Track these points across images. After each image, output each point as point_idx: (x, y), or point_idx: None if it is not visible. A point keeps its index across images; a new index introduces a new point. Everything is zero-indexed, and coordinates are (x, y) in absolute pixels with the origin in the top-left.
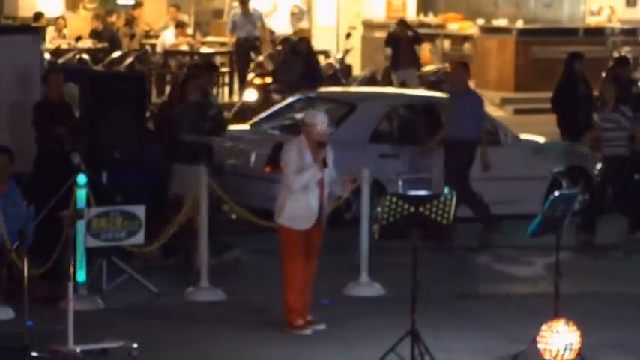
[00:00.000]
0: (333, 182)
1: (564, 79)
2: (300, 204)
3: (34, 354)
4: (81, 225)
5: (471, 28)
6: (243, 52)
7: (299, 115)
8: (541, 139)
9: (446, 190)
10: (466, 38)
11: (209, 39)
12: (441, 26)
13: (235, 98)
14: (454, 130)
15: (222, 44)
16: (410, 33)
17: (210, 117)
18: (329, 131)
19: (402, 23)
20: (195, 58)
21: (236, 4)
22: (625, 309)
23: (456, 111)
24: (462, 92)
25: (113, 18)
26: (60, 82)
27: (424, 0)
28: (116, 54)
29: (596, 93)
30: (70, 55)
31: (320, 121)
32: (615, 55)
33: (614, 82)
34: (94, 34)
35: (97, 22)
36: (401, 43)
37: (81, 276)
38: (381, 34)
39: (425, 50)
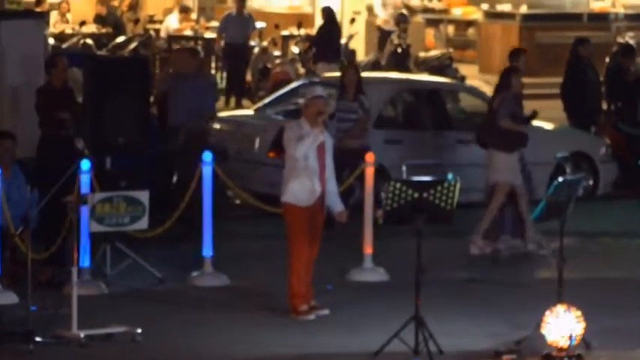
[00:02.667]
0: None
1: (572, 66)
2: (302, 181)
3: (37, 339)
4: (85, 210)
5: (475, 13)
6: (229, 57)
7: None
8: (546, 125)
9: (449, 176)
10: (470, 23)
11: (213, 24)
12: (445, 11)
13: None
14: (179, 116)
15: None
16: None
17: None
18: (328, 103)
19: (323, 10)
20: (199, 42)
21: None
22: (628, 295)
23: (179, 96)
24: (189, 77)
25: (117, 2)
26: (66, 67)
27: None
28: (120, 39)
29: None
30: (74, 39)
31: (318, 93)
32: (620, 40)
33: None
34: (98, 19)
35: (101, 6)
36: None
37: (85, 261)
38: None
39: (429, 35)
